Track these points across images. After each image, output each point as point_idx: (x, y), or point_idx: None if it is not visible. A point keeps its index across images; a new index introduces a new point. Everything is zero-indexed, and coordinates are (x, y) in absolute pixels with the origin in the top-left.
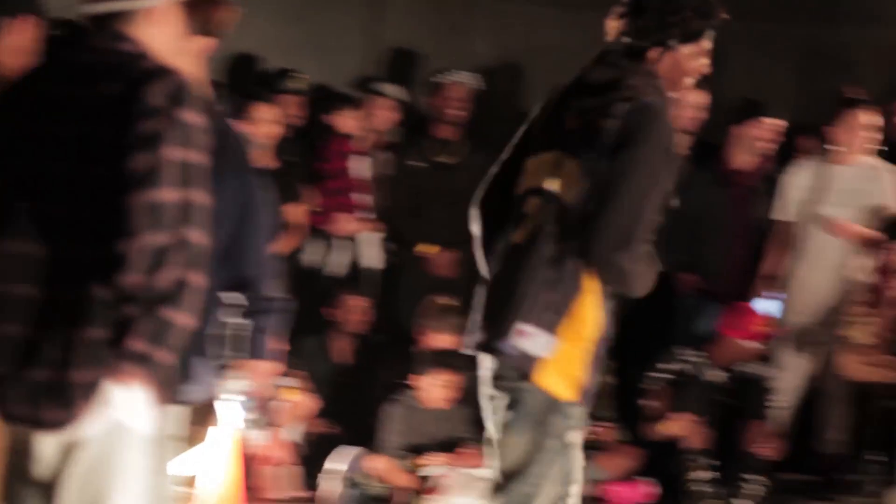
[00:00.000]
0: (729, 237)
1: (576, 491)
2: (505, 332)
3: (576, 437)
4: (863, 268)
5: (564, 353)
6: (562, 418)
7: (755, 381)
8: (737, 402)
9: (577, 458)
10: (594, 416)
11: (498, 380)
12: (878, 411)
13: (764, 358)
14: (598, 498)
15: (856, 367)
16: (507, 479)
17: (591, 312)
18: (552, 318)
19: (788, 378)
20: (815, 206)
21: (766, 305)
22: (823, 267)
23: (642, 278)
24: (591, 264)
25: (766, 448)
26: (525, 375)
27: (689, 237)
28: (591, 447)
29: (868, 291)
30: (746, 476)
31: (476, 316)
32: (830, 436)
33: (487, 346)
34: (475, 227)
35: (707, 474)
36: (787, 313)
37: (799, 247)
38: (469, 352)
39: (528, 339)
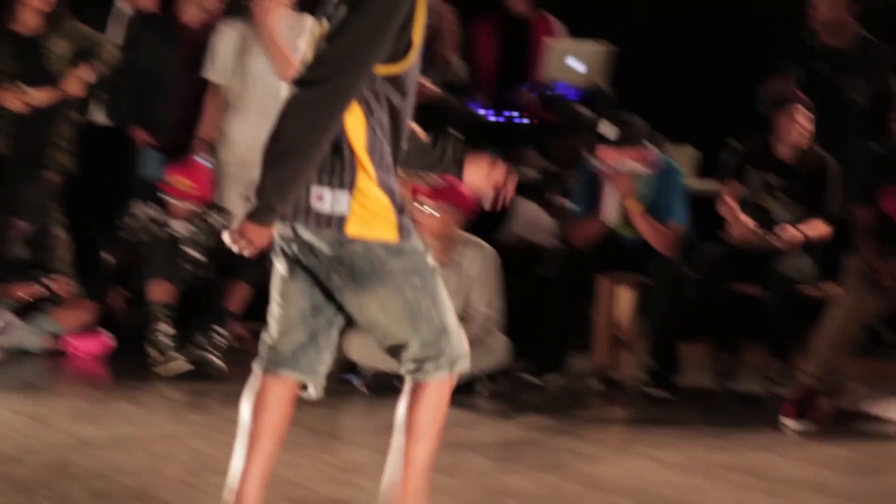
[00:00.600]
0: (177, 93)
1: (450, 312)
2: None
3: (431, 261)
4: None
5: (362, 201)
6: (405, 256)
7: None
8: (204, 256)
9: (439, 283)
10: (50, 270)
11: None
12: None
13: (202, 219)
14: (57, 351)
15: None
16: (396, 338)
17: (361, 155)
18: (336, 172)
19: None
20: (244, 66)
21: (203, 165)
22: (258, 118)
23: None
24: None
25: (235, 302)
26: (341, 236)
27: (140, 92)
28: (48, 301)
29: None
30: (216, 329)
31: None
32: None
33: (301, 219)
34: None
35: (169, 328)
36: (226, 168)
37: (233, 106)
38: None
39: (325, 201)
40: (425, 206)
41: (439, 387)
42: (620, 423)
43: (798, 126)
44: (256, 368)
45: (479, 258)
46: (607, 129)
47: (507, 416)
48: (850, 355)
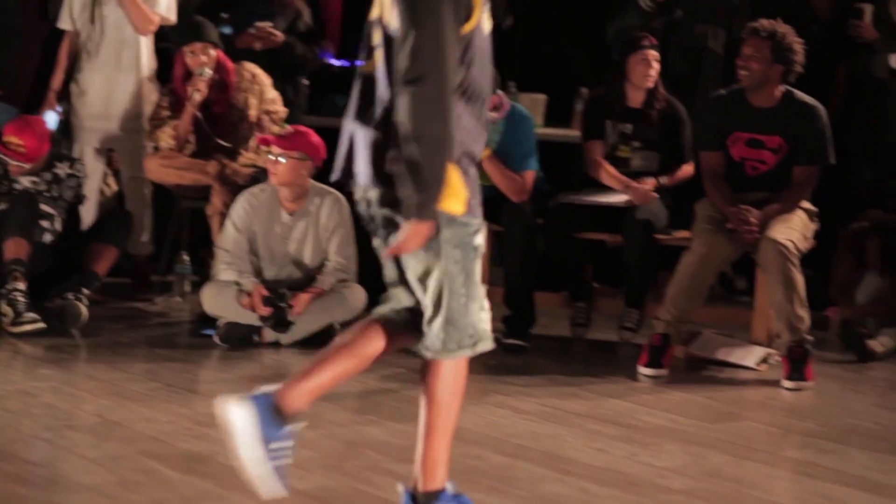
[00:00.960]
0: (28, 43)
1: (480, 293)
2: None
3: (480, 240)
4: (151, 69)
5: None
6: (456, 227)
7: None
8: (55, 209)
9: (477, 265)
10: None
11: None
12: (182, 212)
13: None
14: None
15: (160, 171)
16: (426, 306)
17: None
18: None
19: (91, 184)
20: (98, 15)
21: (50, 117)
22: (112, 70)
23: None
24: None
25: (102, 265)
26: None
27: None
28: None
29: (168, 94)
30: (83, 290)
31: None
32: (142, 238)
33: (372, 178)
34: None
35: (22, 284)
36: (80, 120)
37: (86, 55)
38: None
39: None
40: (275, 155)
41: (459, 362)
42: (477, 373)
43: (651, 70)
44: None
45: (333, 207)
46: None
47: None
48: (703, 302)
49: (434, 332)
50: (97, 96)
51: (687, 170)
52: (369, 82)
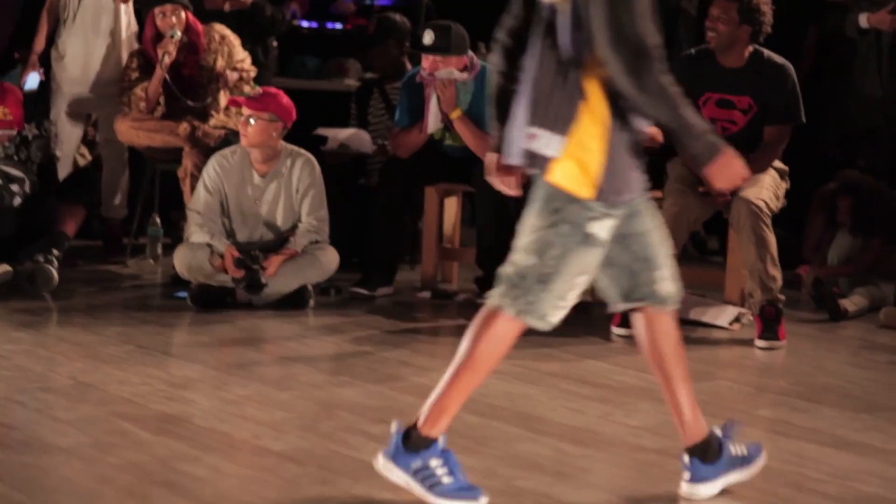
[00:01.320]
0: (5, 6)
1: (582, 282)
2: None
3: (596, 229)
4: (133, 33)
5: (574, 152)
6: (578, 208)
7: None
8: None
9: (595, 252)
10: None
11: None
12: (154, 175)
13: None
14: None
15: (130, 133)
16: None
17: (597, 115)
18: (559, 119)
19: (67, 149)
20: None
21: (30, 80)
22: (90, 35)
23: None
24: (594, 66)
25: (71, 225)
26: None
27: None
28: None
29: (138, 56)
30: (53, 251)
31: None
32: (116, 202)
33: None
34: (501, 34)
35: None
36: (59, 85)
37: (65, 19)
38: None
39: (538, 140)
40: (245, 116)
41: (509, 324)
42: (451, 334)
43: None
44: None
45: (304, 169)
46: (429, 37)
47: (338, 330)
48: (676, 262)
49: (502, 279)
50: (76, 61)
51: (655, 131)
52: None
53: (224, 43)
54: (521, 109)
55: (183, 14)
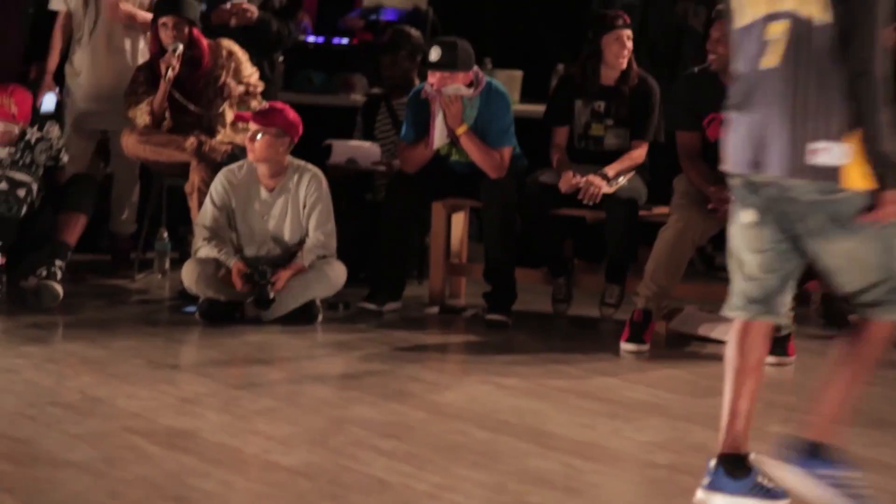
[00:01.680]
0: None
1: None
2: (799, 156)
3: None
4: (141, 49)
5: (858, 153)
6: None
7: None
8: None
9: None
10: None
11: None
12: (161, 190)
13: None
14: None
15: (137, 147)
16: (861, 281)
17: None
18: (837, 128)
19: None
20: None
21: (47, 101)
22: (105, 53)
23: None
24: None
25: (72, 234)
26: (834, 187)
27: None
28: None
29: (144, 70)
30: (56, 262)
31: (743, 144)
32: (124, 216)
33: (790, 172)
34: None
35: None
36: (74, 101)
37: (79, 36)
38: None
39: (824, 153)
40: (251, 131)
41: (888, 327)
42: (460, 350)
43: (625, 50)
44: (733, 313)
45: (311, 183)
46: (436, 53)
47: (347, 345)
48: (683, 278)
49: (871, 298)
50: (90, 77)
51: (635, 155)
52: (767, 77)
53: (232, 59)
54: (783, 126)
55: (186, 28)
